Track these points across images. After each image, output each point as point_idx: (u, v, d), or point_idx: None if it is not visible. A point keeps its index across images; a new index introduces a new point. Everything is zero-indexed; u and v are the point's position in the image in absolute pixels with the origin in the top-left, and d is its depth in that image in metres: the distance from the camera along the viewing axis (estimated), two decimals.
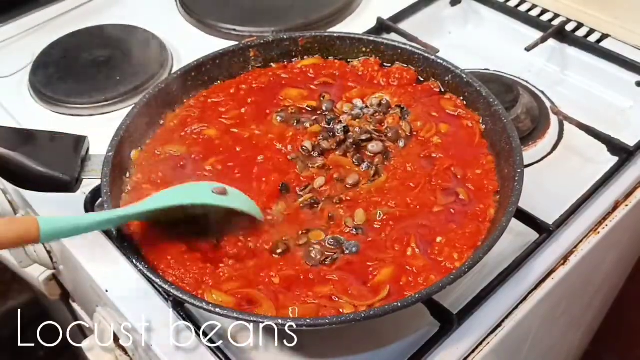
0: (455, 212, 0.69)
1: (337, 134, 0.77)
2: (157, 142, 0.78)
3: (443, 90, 0.83)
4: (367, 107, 0.81)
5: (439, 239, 0.66)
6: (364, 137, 0.76)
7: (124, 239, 0.65)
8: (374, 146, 0.75)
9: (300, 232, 0.68)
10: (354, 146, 0.76)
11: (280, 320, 0.57)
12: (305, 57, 0.88)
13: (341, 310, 0.61)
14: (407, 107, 0.80)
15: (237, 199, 0.67)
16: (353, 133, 0.77)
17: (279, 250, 0.66)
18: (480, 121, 0.78)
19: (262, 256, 0.66)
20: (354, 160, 0.75)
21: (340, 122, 0.78)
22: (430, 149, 0.76)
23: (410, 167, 0.73)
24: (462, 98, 0.81)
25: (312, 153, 0.76)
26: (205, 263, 0.65)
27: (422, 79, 0.85)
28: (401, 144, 0.76)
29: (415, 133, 0.78)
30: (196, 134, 0.79)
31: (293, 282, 0.64)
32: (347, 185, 0.73)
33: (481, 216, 0.68)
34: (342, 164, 0.75)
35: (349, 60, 0.88)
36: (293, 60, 0.88)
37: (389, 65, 0.86)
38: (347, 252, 0.66)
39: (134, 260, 0.62)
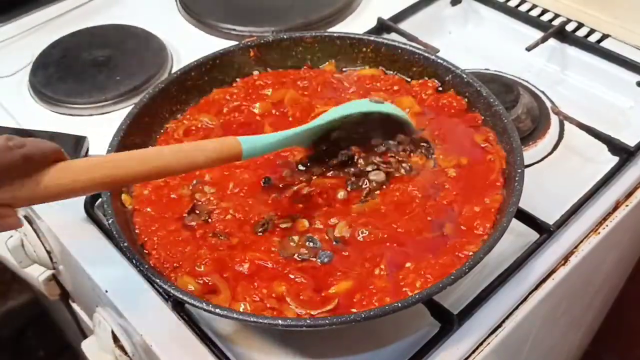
0: (435, 242, 0.67)
1: (340, 158, 0.75)
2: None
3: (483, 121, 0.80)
4: (398, 143, 0.77)
5: (408, 264, 0.65)
6: (369, 168, 0.74)
7: (120, 227, 0.66)
8: (376, 174, 0.73)
9: (289, 215, 0.70)
10: (354, 176, 0.74)
11: (280, 321, 0.57)
12: (365, 67, 0.88)
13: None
14: (441, 139, 0.78)
15: (392, 107, 0.78)
16: (359, 165, 0.75)
17: (260, 229, 0.69)
18: (506, 159, 0.74)
19: (246, 233, 0.69)
20: (349, 185, 0.73)
21: (348, 150, 0.76)
22: (442, 179, 0.73)
23: (413, 192, 0.72)
24: (495, 131, 0.77)
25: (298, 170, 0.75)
26: (187, 245, 0.67)
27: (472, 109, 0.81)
28: (413, 172, 0.74)
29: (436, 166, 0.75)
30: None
31: (259, 269, 0.65)
32: (338, 197, 0.72)
33: (459, 250, 0.65)
34: (328, 186, 0.73)
35: (407, 77, 0.87)
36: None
37: (442, 90, 0.84)
38: (319, 260, 0.66)
39: (134, 261, 0.62)
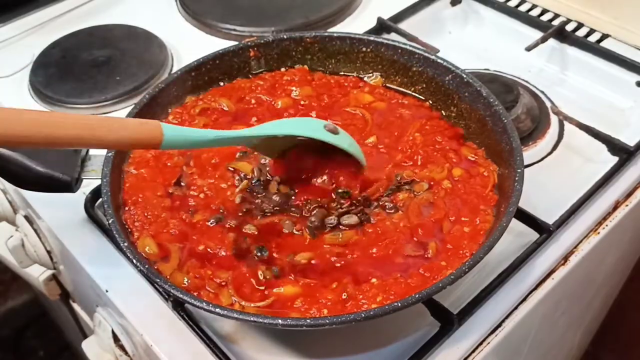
0: (411, 264, 0.65)
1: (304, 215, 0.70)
2: None
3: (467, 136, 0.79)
4: (365, 199, 0.72)
5: (373, 280, 0.63)
6: (331, 220, 0.70)
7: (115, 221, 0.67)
8: (349, 217, 0.69)
9: (241, 213, 0.71)
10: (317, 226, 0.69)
11: (280, 320, 0.57)
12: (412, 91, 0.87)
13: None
14: (424, 155, 0.76)
15: (346, 140, 0.69)
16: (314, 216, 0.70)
17: (212, 221, 0.70)
18: (497, 171, 0.73)
19: (208, 217, 0.70)
20: (313, 221, 0.69)
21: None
22: (438, 194, 0.72)
23: (398, 223, 0.69)
24: (483, 148, 0.77)
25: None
26: (164, 212, 0.70)
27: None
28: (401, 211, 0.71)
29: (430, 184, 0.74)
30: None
31: (210, 255, 0.66)
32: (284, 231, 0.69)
33: (436, 273, 0.64)
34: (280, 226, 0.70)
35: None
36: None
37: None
38: (271, 273, 0.65)
39: (134, 261, 0.62)
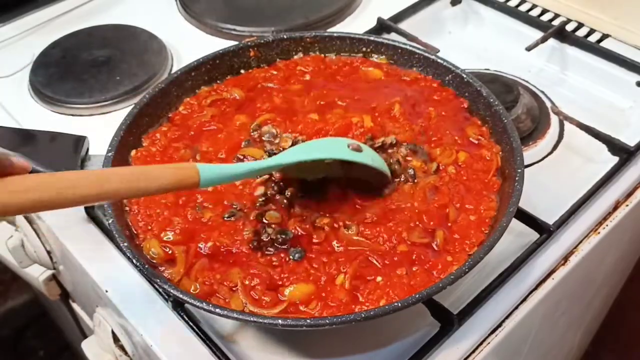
0: (417, 257, 0.65)
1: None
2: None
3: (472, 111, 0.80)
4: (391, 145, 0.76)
5: (379, 279, 0.63)
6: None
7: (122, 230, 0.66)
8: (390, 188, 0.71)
9: (258, 204, 0.70)
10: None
11: (280, 321, 0.57)
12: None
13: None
14: (433, 132, 0.77)
15: (369, 155, 0.72)
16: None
17: (227, 215, 0.69)
18: (500, 154, 0.74)
19: (219, 213, 0.69)
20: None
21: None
22: (443, 179, 0.72)
23: (410, 202, 0.70)
24: (487, 126, 0.78)
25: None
26: (167, 209, 0.69)
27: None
28: (417, 179, 0.72)
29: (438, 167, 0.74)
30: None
31: (221, 252, 0.66)
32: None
33: (441, 270, 0.64)
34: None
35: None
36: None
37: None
38: (290, 257, 0.65)
39: (134, 261, 0.62)
